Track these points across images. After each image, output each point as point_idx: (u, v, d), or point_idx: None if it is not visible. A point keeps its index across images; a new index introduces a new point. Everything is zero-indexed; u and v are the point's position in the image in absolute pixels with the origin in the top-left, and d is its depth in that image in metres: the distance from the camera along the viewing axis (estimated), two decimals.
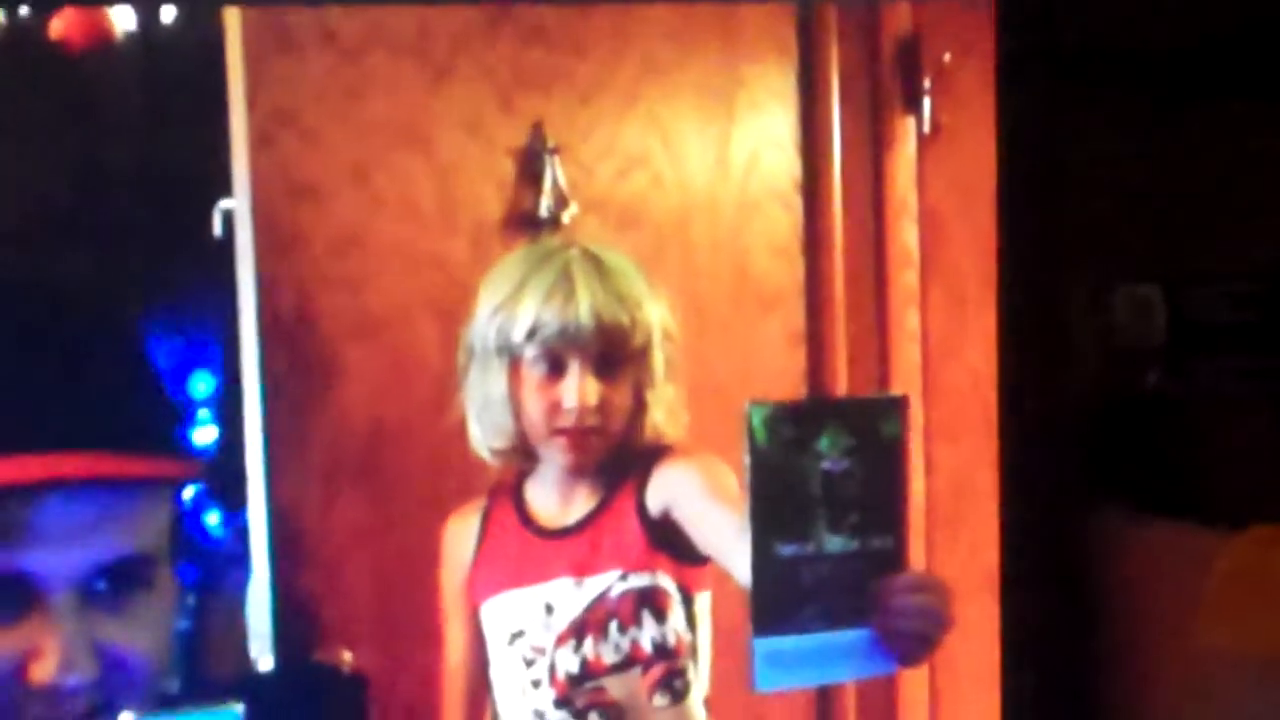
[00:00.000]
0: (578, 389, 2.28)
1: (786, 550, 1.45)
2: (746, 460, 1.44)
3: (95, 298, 1.22)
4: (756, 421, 1.43)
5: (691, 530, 2.25)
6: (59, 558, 1.08)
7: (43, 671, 1.08)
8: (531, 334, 2.28)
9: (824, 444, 1.44)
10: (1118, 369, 3.81)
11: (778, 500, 1.44)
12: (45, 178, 3.24)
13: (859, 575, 1.48)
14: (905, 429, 1.48)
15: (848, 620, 1.49)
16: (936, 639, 1.58)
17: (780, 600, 1.47)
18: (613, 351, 2.30)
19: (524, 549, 2.40)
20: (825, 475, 1.44)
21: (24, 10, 3.02)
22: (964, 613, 3.06)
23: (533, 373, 2.31)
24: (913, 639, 1.55)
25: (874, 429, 1.46)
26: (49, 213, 3.18)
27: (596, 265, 2.32)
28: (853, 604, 1.49)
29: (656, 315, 2.35)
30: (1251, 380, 3.69)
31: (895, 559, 1.50)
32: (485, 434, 2.39)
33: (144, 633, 1.14)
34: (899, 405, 1.48)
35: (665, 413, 2.38)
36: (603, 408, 2.30)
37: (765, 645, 1.47)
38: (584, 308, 2.26)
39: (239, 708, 1.01)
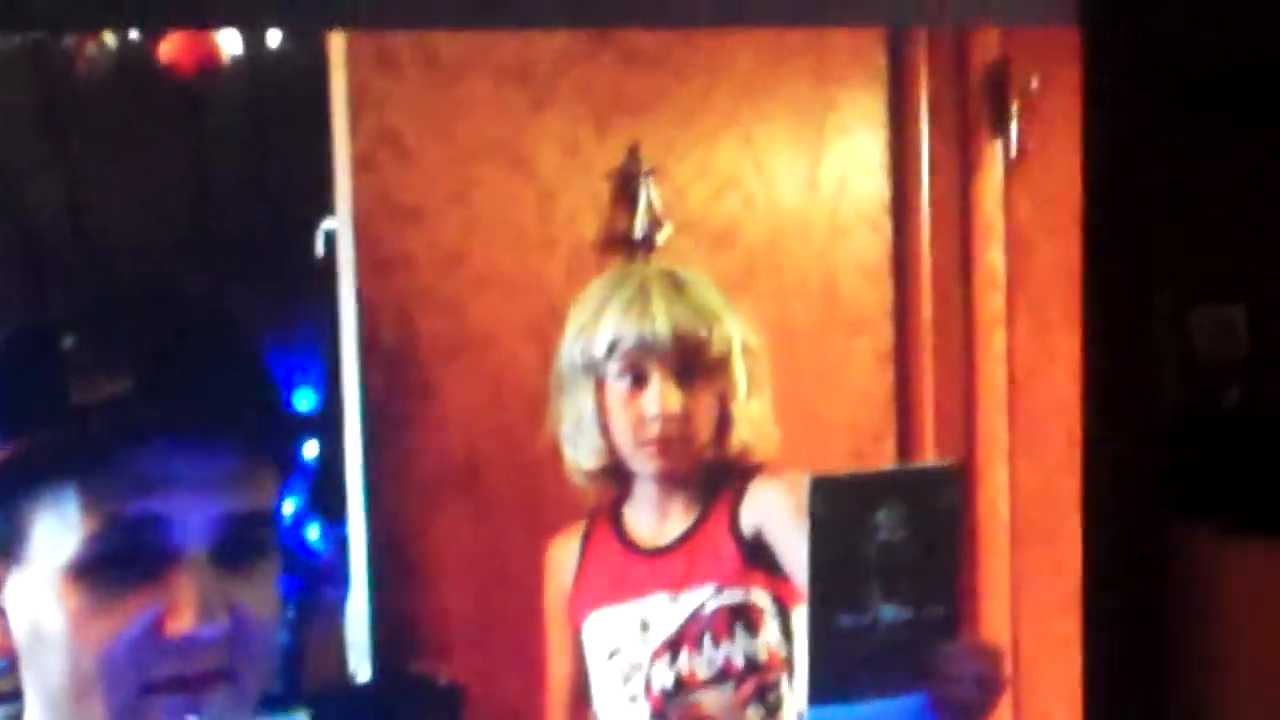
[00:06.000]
0: (659, 397, 2.32)
1: (844, 621, 1.47)
2: (807, 532, 1.46)
3: (203, 299, 1.26)
4: (818, 495, 1.45)
5: (780, 550, 2.29)
6: (191, 507, 1.13)
7: (179, 623, 1.11)
8: (612, 348, 2.34)
9: (882, 515, 1.46)
10: (1201, 387, 3.82)
11: (836, 571, 1.46)
12: (157, 197, 3.30)
13: (913, 643, 1.49)
14: (962, 497, 1.50)
15: (901, 688, 1.52)
16: (989, 705, 1.60)
17: (835, 670, 1.49)
18: (692, 361, 2.34)
19: (622, 568, 2.43)
20: (882, 546, 1.46)
21: (134, 35, 3.08)
22: (1047, 632, 3.09)
23: (617, 387, 2.36)
24: (965, 706, 1.57)
25: (932, 499, 1.48)
26: (169, 226, 3.24)
27: (673, 281, 2.37)
28: (907, 672, 1.50)
29: (735, 328, 2.39)
30: None
31: (949, 626, 1.51)
32: (578, 455, 2.43)
33: (265, 598, 1.18)
34: (956, 474, 1.52)
35: (752, 428, 2.41)
36: (686, 416, 2.34)
37: (819, 715, 1.50)
38: (660, 319, 2.32)
39: (305, 715, 1.04)
